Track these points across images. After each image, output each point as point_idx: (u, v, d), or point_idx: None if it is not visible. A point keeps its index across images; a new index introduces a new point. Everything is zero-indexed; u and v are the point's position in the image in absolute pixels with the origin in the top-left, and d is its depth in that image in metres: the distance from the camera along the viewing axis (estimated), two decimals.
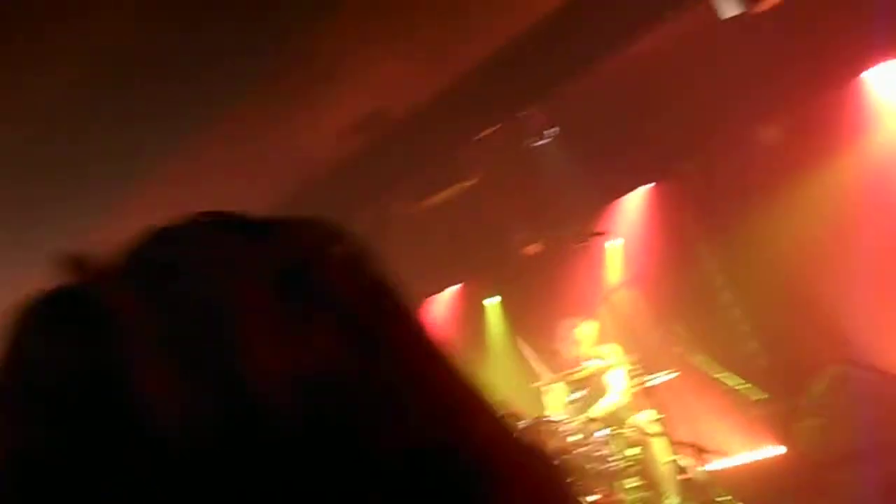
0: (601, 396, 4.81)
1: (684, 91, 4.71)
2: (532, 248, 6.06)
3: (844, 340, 4.52)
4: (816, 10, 4.06)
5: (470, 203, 4.68)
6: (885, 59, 4.54)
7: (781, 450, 5.05)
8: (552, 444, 4.12)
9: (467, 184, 3.97)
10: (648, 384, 4.52)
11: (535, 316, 5.64)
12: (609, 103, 4.40)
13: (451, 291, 6.77)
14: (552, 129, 3.92)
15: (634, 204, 5.72)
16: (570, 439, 4.20)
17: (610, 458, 4.40)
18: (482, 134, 3.75)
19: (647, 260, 5.40)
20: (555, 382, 4.56)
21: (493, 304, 6.66)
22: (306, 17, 2.62)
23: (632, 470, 4.51)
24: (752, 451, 4.79)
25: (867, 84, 4.60)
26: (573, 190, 4.94)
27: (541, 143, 4.02)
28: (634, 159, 5.21)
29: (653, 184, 5.57)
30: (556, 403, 4.66)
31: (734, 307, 5.39)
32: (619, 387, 4.76)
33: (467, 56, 3.24)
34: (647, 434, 4.39)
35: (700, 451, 4.21)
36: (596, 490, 4.12)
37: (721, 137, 5.03)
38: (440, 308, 6.79)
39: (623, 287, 4.94)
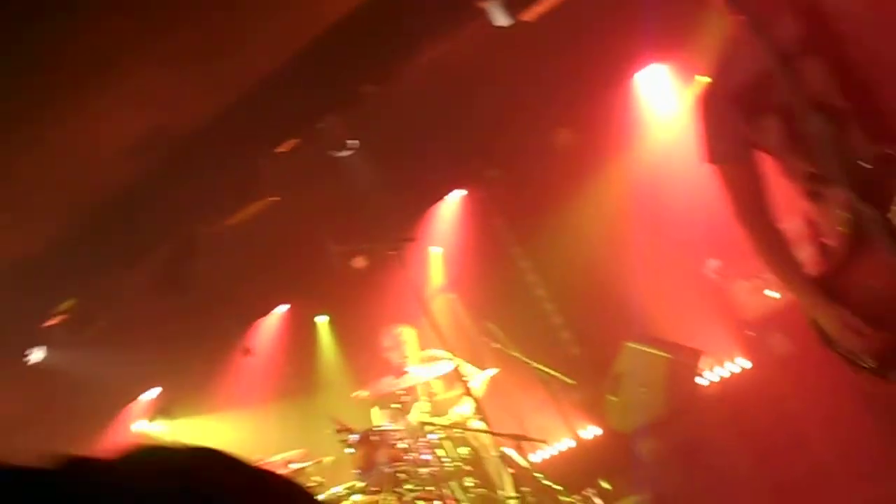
0: (427, 401, 4.91)
1: (481, 98, 4.95)
2: (357, 262, 6.07)
3: (637, 322, 4.95)
4: (592, 14, 4.34)
5: (283, 219, 4.60)
6: (653, 62, 4.98)
7: (598, 430, 5.44)
8: (384, 454, 4.13)
9: (273, 199, 3.89)
10: (472, 383, 4.67)
11: (365, 328, 5.64)
12: (410, 111, 4.53)
13: (279, 313, 6.61)
14: (353, 142, 3.95)
15: (448, 211, 5.92)
16: (401, 446, 4.22)
17: (443, 460, 4.50)
18: (280, 147, 3.69)
19: (465, 264, 5.60)
20: (379, 394, 4.56)
21: (323, 323, 6.59)
22: (36, 17, 2.37)
23: (465, 469, 4.64)
24: (574, 435, 5.06)
25: (637, 87, 5.07)
26: (385, 199, 5.02)
27: (344, 153, 4.04)
28: (442, 167, 5.39)
29: (464, 190, 5.79)
30: (383, 414, 4.67)
31: (546, 302, 5.73)
32: (443, 389, 4.89)
33: (253, 67, 3.17)
34: (473, 431, 4.52)
35: (521, 442, 4.39)
36: (433, 494, 4.17)
37: (520, 143, 5.34)
38: (269, 331, 6.60)
39: (443, 291, 5.07)
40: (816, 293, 2.01)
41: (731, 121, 2.02)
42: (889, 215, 1.80)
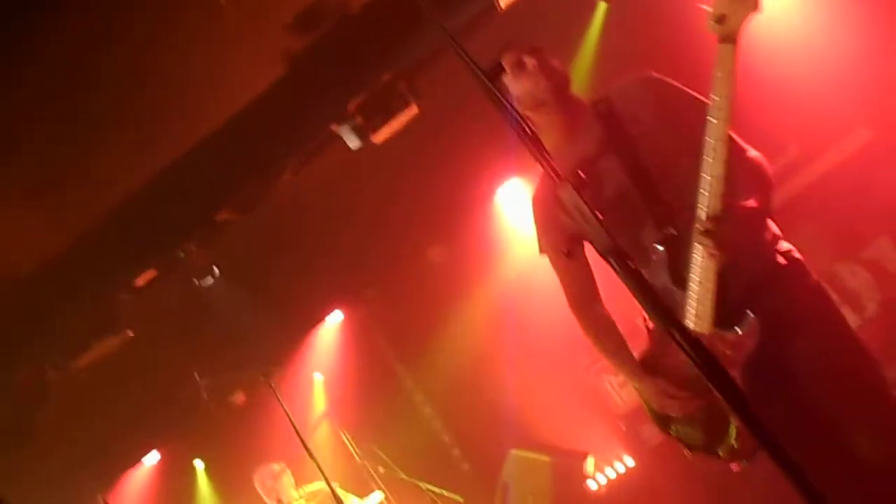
0: None
1: (353, 218, 5.05)
2: (236, 398, 5.79)
3: (522, 430, 4.97)
4: (452, 131, 4.57)
5: (146, 357, 4.35)
6: (513, 175, 5.22)
7: None
8: None
9: (128, 335, 3.70)
10: None
11: (246, 468, 5.28)
12: (278, 236, 4.55)
13: (149, 463, 6.08)
14: (214, 270, 3.89)
15: (328, 334, 5.85)
16: None
17: None
18: (139, 279, 3.56)
19: (348, 387, 5.48)
20: None
21: (200, 469, 6.13)
22: None
23: None
24: None
25: (499, 201, 5.35)
26: (258, 326, 4.90)
27: (208, 281, 3.95)
28: (318, 289, 5.38)
29: (341, 312, 5.77)
30: None
31: (434, 420, 5.66)
32: None
33: (99, 198, 3.10)
34: None
35: None
36: None
37: (393, 261, 5.45)
38: (139, 483, 6.03)
39: (326, 418, 4.90)
40: (638, 370, 2.13)
41: (555, 216, 2.18)
42: (679, 297, 1.95)
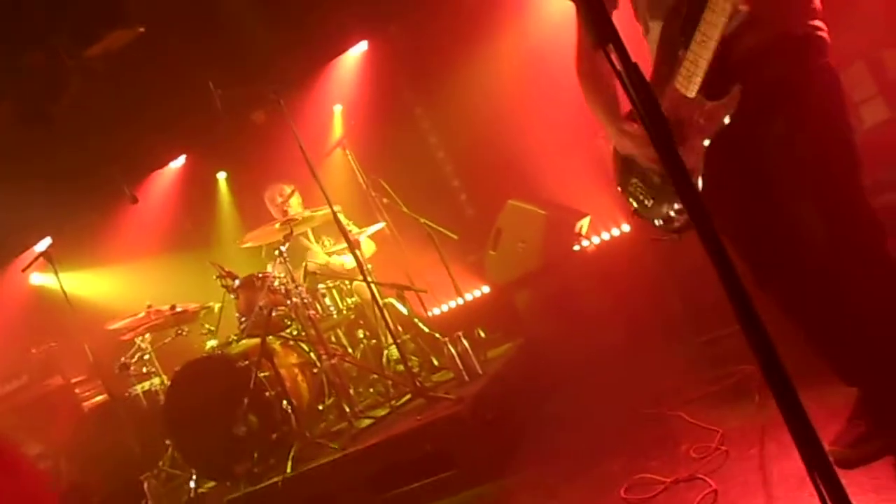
0: (315, 251, 4.98)
1: None
2: (257, 117, 5.92)
3: (531, 185, 5.07)
4: None
5: (164, 60, 4.37)
6: None
7: (486, 290, 5.69)
8: (264, 297, 4.20)
9: (139, 30, 3.66)
10: (360, 236, 4.74)
11: (262, 183, 5.57)
12: None
13: (176, 165, 6.44)
14: None
15: (350, 64, 5.76)
16: (290, 291, 4.28)
17: (330, 309, 4.64)
18: None
19: (365, 119, 5.52)
20: (262, 240, 4.58)
21: (222, 179, 6.50)
22: None
23: (351, 318, 4.81)
24: (461, 294, 5.25)
25: None
26: (277, 45, 4.82)
27: None
28: (345, 17, 5.18)
29: (365, 43, 5.62)
30: (271, 262, 4.72)
31: (446, 164, 5.78)
32: (332, 242, 4.96)
33: None
34: (356, 280, 4.64)
35: (402, 290, 4.54)
36: (314, 338, 4.30)
37: None
38: (165, 182, 6.46)
39: (340, 146, 5.02)
40: (619, 118, 2.10)
41: None
42: (682, 56, 1.83)
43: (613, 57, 1.03)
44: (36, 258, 4.91)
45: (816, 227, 1.87)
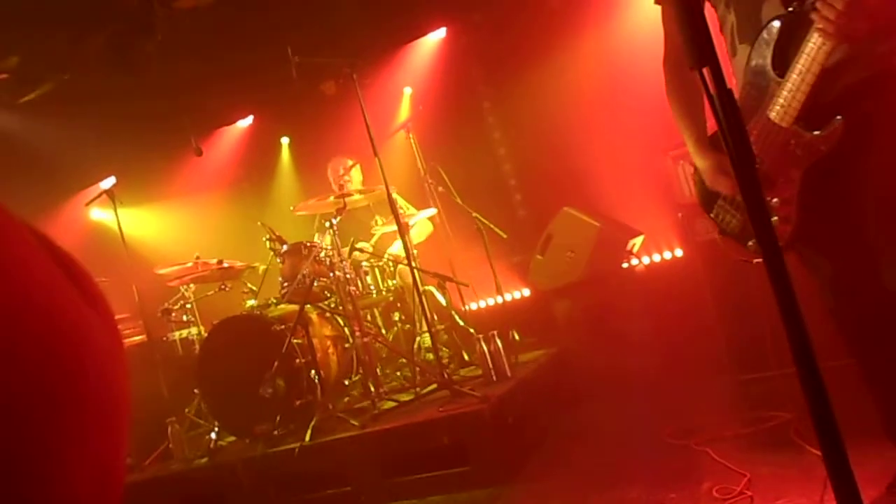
0: (365, 228, 5.02)
1: None
2: (327, 88, 5.98)
3: (589, 196, 5.00)
4: None
5: (246, 20, 4.44)
6: None
7: (527, 293, 5.64)
8: (308, 266, 4.26)
9: None
10: (412, 220, 4.75)
11: (323, 152, 5.62)
12: None
13: (243, 125, 6.57)
14: None
15: (427, 49, 5.76)
16: (334, 264, 4.32)
17: (370, 287, 4.67)
18: None
19: (433, 105, 5.52)
20: (316, 209, 4.63)
21: (286, 143, 6.60)
22: None
23: (389, 300, 4.83)
24: (501, 293, 5.22)
25: None
26: (358, 21, 4.85)
27: None
28: (424, 2, 5.18)
29: (444, 30, 5.61)
30: (320, 231, 4.76)
31: (505, 162, 5.74)
32: (383, 222, 4.98)
33: None
34: (399, 263, 4.65)
35: (444, 281, 4.53)
36: (350, 313, 4.33)
37: None
38: (230, 139, 6.59)
39: (404, 128, 5.03)
40: (703, 142, 2.06)
41: None
42: (782, 79, 1.81)
43: (708, 80, 1.00)
44: (99, 195, 5.07)
45: None
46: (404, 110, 5.89)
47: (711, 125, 2.17)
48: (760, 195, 1.04)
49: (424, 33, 5.68)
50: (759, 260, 2.04)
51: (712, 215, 2.14)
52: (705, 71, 0.98)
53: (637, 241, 4.71)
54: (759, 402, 3.04)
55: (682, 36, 0.98)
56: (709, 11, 2.06)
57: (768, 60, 1.87)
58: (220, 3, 3.93)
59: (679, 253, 4.96)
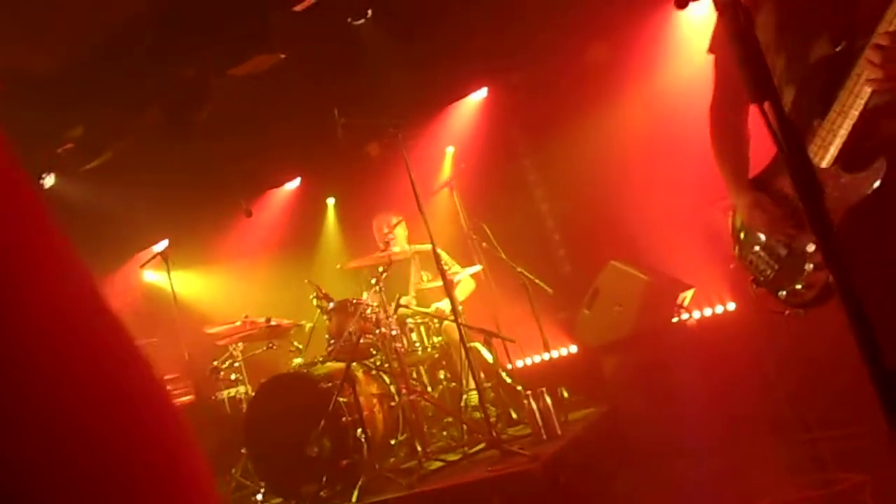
0: (410, 284, 5.03)
1: (524, 2, 4.84)
2: (371, 149, 6.13)
3: (636, 252, 4.94)
4: None
5: (294, 84, 4.61)
6: None
7: (573, 349, 5.53)
8: (354, 324, 4.27)
9: (280, 55, 3.90)
10: (456, 277, 4.76)
11: (368, 211, 5.71)
12: (442, 2, 4.43)
13: (291, 187, 6.76)
14: (368, 12, 3.90)
15: (468, 109, 5.88)
16: (380, 321, 4.33)
17: (416, 345, 4.65)
18: (297, 5, 3.66)
19: (474, 164, 5.58)
20: (362, 265, 4.68)
21: (331, 204, 6.74)
22: None
23: (434, 357, 4.79)
24: (548, 349, 5.13)
25: (683, 15, 4.87)
26: (402, 84, 5.00)
27: (361, 21, 3.99)
28: (470, 63, 5.32)
29: (485, 90, 5.73)
30: (367, 288, 4.80)
31: (548, 218, 5.74)
32: (429, 279, 4.99)
33: None
34: (445, 318, 4.63)
35: (490, 337, 4.49)
36: (396, 371, 4.31)
37: (550, 52, 5.21)
38: (279, 201, 6.77)
39: (448, 186, 5.10)
40: (744, 184, 2.04)
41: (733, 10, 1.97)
42: (817, 125, 1.78)
43: (770, 114, 0.99)
44: (153, 257, 5.24)
45: None
46: (447, 169, 5.98)
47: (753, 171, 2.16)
48: (826, 219, 1.02)
49: (466, 94, 5.81)
50: (789, 312, 1.98)
51: (746, 263, 2.09)
52: (766, 105, 0.97)
53: (687, 295, 4.60)
54: (825, 463, 2.87)
55: (742, 72, 0.98)
56: None
57: (813, 99, 1.85)
58: (268, 69, 4.10)
59: (731, 306, 4.82)
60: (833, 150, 1.74)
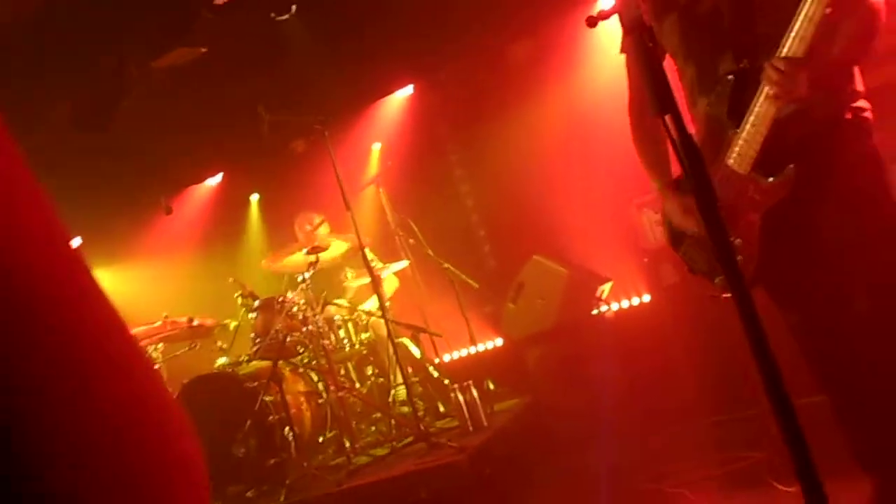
0: (336, 283, 5.03)
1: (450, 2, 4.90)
2: (297, 146, 6.06)
3: (557, 245, 5.10)
4: None
5: (217, 79, 4.52)
6: None
7: (499, 342, 5.66)
8: (281, 322, 4.24)
9: (201, 49, 3.81)
10: (383, 273, 4.79)
11: (292, 209, 5.65)
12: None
13: (213, 183, 6.60)
14: (292, 8, 3.87)
15: (394, 106, 5.91)
16: (307, 318, 4.32)
17: (344, 341, 4.66)
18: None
19: (400, 160, 5.61)
20: (283, 261, 4.65)
21: (255, 200, 6.63)
22: None
23: (363, 353, 4.81)
24: (474, 343, 5.22)
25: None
26: (327, 80, 4.98)
27: (285, 17, 3.96)
28: (395, 60, 5.34)
29: (412, 87, 5.77)
30: (292, 286, 4.77)
31: (473, 213, 5.85)
32: (354, 276, 5.01)
33: None
34: (373, 316, 4.66)
35: (417, 332, 4.55)
36: (324, 369, 4.31)
37: (476, 49, 5.31)
38: (200, 197, 6.60)
39: (374, 183, 5.11)
40: (670, 186, 2.17)
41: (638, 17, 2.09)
42: (738, 129, 1.92)
43: (671, 127, 1.08)
44: None
45: (862, 305, 1.92)
46: (373, 166, 5.99)
47: (676, 169, 2.29)
48: (725, 234, 1.13)
49: (393, 90, 5.83)
50: (728, 295, 2.14)
51: (681, 254, 2.23)
52: (668, 118, 1.06)
53: (606, 288, 4.80)
54: (732, 443, 3.08)
55: (645, 86, 1.07)
56: (669, 62, 2.19)
57: (724, 111, 2.00)
58: (190, 61, 4.00)
59: (646, 298, 5.06)
60: (751, 159, 1.89)
